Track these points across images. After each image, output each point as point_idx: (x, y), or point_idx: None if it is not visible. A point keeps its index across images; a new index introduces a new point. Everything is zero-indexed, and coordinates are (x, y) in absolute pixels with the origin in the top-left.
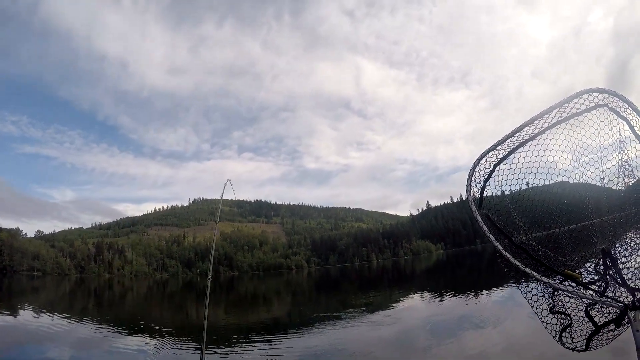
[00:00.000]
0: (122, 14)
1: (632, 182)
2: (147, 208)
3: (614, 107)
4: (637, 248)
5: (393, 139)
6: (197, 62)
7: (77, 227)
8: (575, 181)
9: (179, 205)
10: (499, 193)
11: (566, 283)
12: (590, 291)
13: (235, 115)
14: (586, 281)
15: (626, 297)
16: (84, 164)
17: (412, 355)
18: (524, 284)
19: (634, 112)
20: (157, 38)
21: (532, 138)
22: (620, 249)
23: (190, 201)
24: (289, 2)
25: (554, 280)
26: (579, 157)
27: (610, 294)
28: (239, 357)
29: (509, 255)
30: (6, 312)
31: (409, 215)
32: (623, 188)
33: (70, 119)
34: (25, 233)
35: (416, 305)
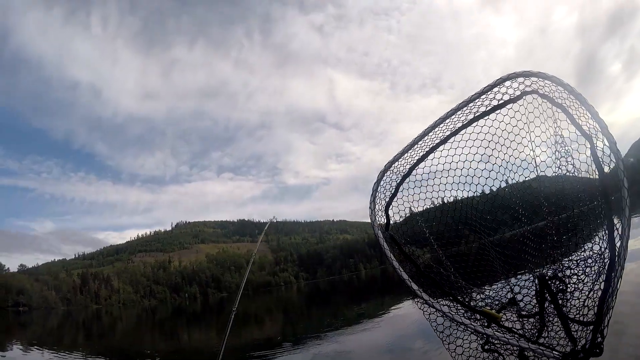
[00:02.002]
0: (92, 41)
1: (573, 170)
2: (130, 235)
3: (546, 92)
4: (584, 274)
5: (371, 148)
6: (169, 86)
7: (60, 258)
8: (496, 186)
9: (162, 230)
10: (408, 211)
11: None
12: (516, 335)
13: (212, 136)
14: (524, 314)
15: (566, 345)
16: (62, 193)
17: None
18: (433, 312)
19: (571, 96)
20: (129, 64)
21: (444, 141)
22: (562, 274)
23: (173, 225)
24: (258, 21)
25: (471, 319)
26: (507, 160)
27: (546, 338)
28: None
29: (415, 288)
30: None
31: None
32: (566, 172)
33: (46, 149)
34: (8, 268)
35: (409, 311)
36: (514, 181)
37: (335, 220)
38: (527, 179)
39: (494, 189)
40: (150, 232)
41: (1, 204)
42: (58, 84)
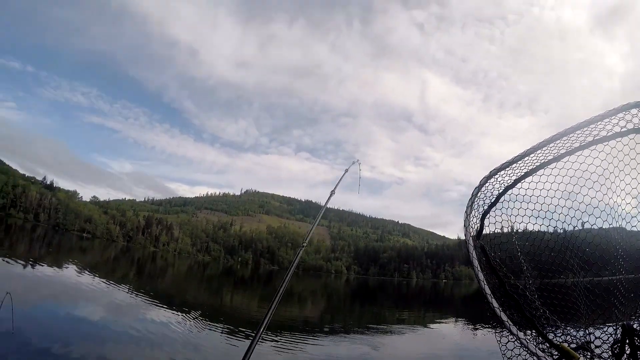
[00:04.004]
0: (196, 5)
1: None
2: (200, 191)
3: None
4: None
5: (452, 158)
6: (264, 59)
7: (131, 198)
8: (605, 224)
9: (231, 194)
10: (506, 228)
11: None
12: None
13: (296, 114)
14: None
15: None
16: (145, 140)
17: None
18: (506, 336)
19: None
20: (228, 31)
21: (556, 159)
22: None
23: (242, 191)
24: (359, 10)
25: (545, 352)
26: (607, 192)
27: None
28: (262, 350)
29: (495, 305)
30: (51, 266)
31: (456, 238)
32: None
33: (137, 97)
34: (82, 196)
35: (448, 331)
36: (593, 226)
37: (400, 222)
38: (609, 227)
39: (570, 228)
40: (219, 193)
41: (88, 138)
42: (158, 39)
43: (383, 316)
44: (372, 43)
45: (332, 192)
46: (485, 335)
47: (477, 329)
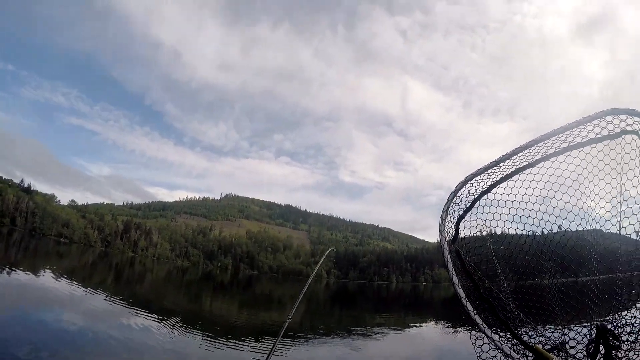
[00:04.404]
0: (180, 6)
1: None
2: (179, 195)
3: None
4: None
5: (432, 163)
6: (247, 62)
7: (109, 202)
8: (579, 227)
9: (210, 198)
10: (481, 232)
11: None
12: None
13: (277, 118)
14: None
15: None
16: (124, 143)
17: None
18: (481, 338)
19: None
20: (212, 33)
21: (531, 165)
22: (621, 330)
23: (222, 196)
24: (344, 15)
25: (520, 354)
26: (588, 195)
27: None
28: (244, 356)
29: (470, 309)
30: (27, 272)
31: (436, 242)
32: None
33: (119, 99)
34: (59, 200)
35: (428, 334)
36: (570, 228)
37: (379, 226)
38: (583, 229)
39: (546, 232)
40: (198, 197)
41: (66, 140)
42: (142, 40)
43: (363, 319)
44: (356, 48)
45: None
46: (465, 337)
47: (457, 330)
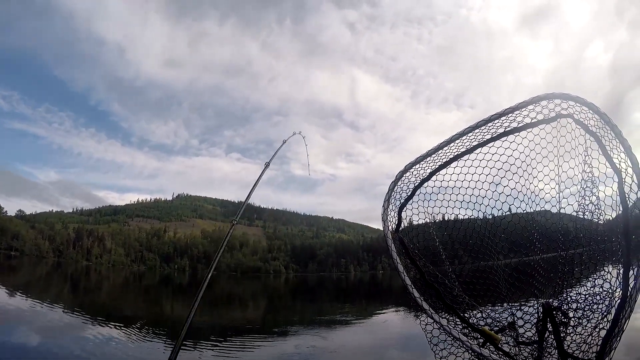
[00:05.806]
0: (124, 0)
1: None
2: (130, 198)
3: (580, 118)
4: (590, 310)
5: (383, 153)
6: (194, 57)
7: (58, 210)
8: (525, 209)
9: (162, 199)
10: (424, 219)
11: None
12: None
13: (227, 114)
14: (521, 341)
15: None
16: (70, 146)
17: None
18: (430, 323)
19: (606, 127)
20: (157, 28)
21: (469, 151)
22: (568, 307)
23: (174, 196)
24: (291, 8)
25: (469, 336)
26: (528, 178)
27: None
28: (206, 357)
29: (416, 295)
30: None
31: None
32: (598, 221)
33: (62, 99)
34: (6, 211)
35: (392, 321)
36: (519, 210)
37: (334, 217)
38: (532, 210)
39: (497, 214)
40: (150, 199)
41: (9, 146)
42: (85, 37)
43: (325, 310)
44: (304, 41)
45: (267, 165)
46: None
47: (417, 315)
